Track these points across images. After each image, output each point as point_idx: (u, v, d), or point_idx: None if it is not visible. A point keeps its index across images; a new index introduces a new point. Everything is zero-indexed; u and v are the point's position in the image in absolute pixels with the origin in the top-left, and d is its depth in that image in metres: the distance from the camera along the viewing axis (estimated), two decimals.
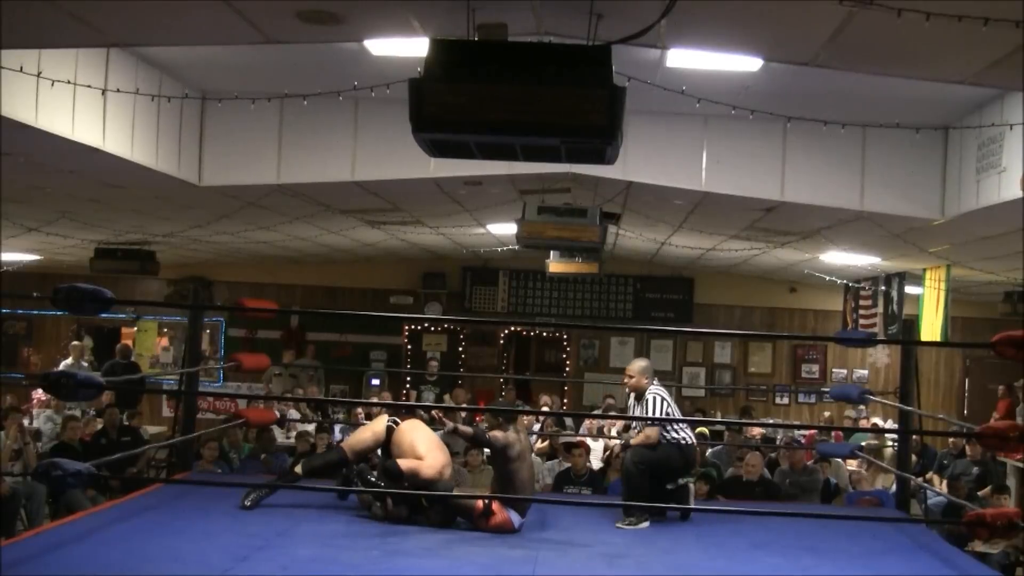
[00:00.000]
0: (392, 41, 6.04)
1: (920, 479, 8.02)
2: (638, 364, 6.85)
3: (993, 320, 14.12)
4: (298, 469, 6.44)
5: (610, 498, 8.56)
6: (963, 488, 9.55)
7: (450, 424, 6.72)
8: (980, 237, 9.20)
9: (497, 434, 6.20)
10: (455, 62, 4.59)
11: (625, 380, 6.91)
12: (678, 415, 6.90)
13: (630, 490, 6.54)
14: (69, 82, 6.58)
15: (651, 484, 6.53)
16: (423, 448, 6.16)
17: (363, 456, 6.50)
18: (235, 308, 11.73)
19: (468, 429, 6.47)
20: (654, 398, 6.61)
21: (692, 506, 6.68)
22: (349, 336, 17.65)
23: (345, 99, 7.72)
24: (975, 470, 10.52)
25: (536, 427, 11.93)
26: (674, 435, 6.58)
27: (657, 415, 6.51)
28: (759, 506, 7.53)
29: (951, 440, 11.37)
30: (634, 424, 7.30)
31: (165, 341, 18.10)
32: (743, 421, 6.44)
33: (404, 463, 6.03)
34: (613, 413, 12.87)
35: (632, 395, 6.93)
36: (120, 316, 17.36)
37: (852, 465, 10.61)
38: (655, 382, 6.79)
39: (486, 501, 5.95)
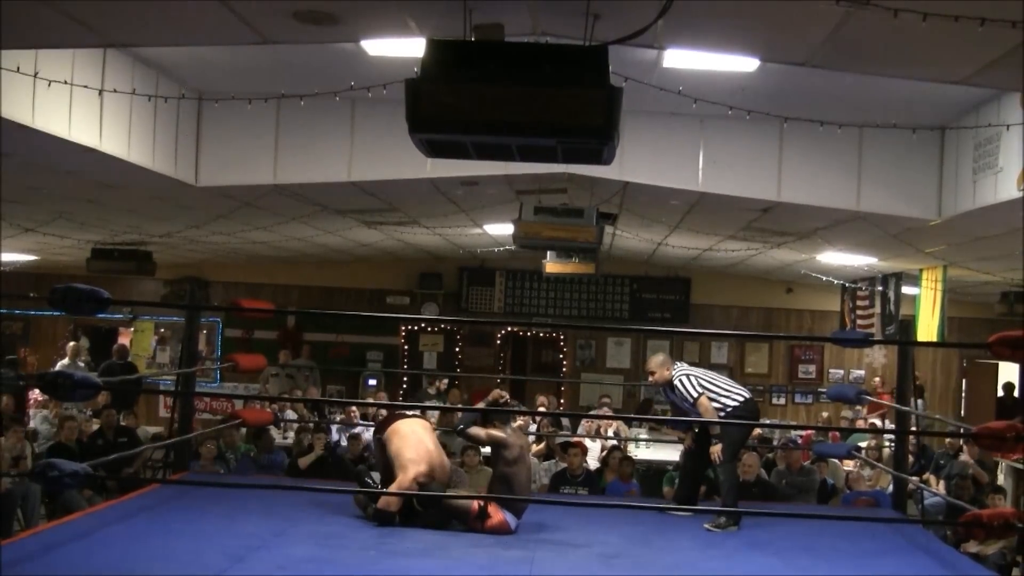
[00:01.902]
0: (388, 41, 6.03)
1: (918, 479, 8.02)
2: (655, 360, 6.93)
3: (990, 320, 14.15)
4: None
5: (607, 498, 8.58)
6: (969, 489, 9.53)
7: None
8: (977, 237, 9.21)
9: (478, 431, 6.18)
10: (452, 62, 4.59)
11: (650, 380, 6.99)
12: (718, 378, 6.93)
13: (728, 486, 6.60)
14: (66, 82, 6.57)
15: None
16: (408, 453, 6.07)
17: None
18: (232, 308, 11.71)
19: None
20: (681, 380, 6.70)
21: (697, 506, 6.76)
22: (346, 336, 17.64)
23: (342, 99, 7.71)
24: (971, 470, 10.52)
25: (532, 427, 11.93)
26: (724, 400, 6.66)
27: (694, 393, 6.61)
28: (756, 506, 7.54)
29: (947, 440, 11.37)
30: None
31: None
32: (741, 421, 6.46)
33: (390, 495, 5.98)
34: (610, 413, 12.87)
35: (663, 391, 7.04)
36: (117, 316, 17.35)
37: (849, 465, 10.62)
38: (677, 365, 6.88)
39: (481, 503, 5.94)
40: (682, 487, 7.22)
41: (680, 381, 6.68)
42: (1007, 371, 16.96)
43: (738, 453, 7.15)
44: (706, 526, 6.35)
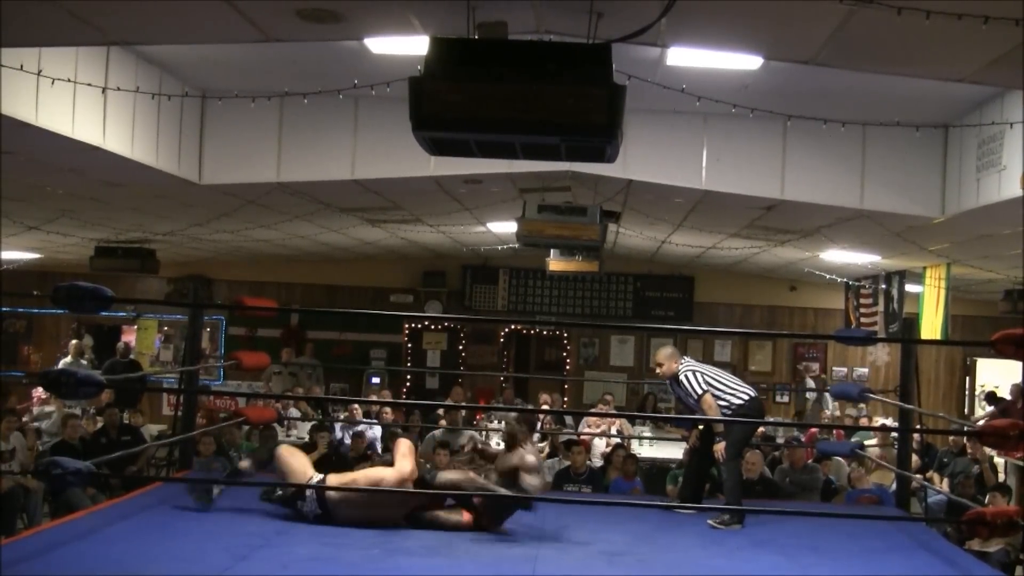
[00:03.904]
0: (392, 39, 6.04)
1: (921, 477, 8.01)
2: (664, 352, 6.94)
3: (993, 318, 14.14)
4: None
5: (610, 497, 8.59)
6: (971, 486, 9.51)
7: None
8: (980, 235, 9.20)
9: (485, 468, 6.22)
10: (455, 60, 4.59)
11: (657, 372, 7.01)
12: (724, 376, 6.93)
13: (731, 484, 6.60)
14: (69, 80, 6.57)
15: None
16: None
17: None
18: (235, 307, 11.75)
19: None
20: (686, 376, 6.71)
21: (701, 504, 6.77)
22: (349, 335, 17.65)
23: (345, 97, 7.72)
24: (975, 468, 10.52)
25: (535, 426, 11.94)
26: (729, 398, 6.65)
27: (698, 389, 6.62)
28: (759, 504, 7.53)
29: (951, 438, 11.36)
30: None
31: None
32: (743, 420, 6.47)
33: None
34: (613, 411, 12.87)
35: (669, 384, 7.05)
36: (120, 315, 17.36)
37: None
38: (684, 359, 6.88)
39: (474, 516, 5.92)
40: (686, 485, 7.22)
41: (685, 376, 6.69)
42: (986, 370, 17.03)
43: (742, 451, 7.16)
44: (710, 522, 6.36)
